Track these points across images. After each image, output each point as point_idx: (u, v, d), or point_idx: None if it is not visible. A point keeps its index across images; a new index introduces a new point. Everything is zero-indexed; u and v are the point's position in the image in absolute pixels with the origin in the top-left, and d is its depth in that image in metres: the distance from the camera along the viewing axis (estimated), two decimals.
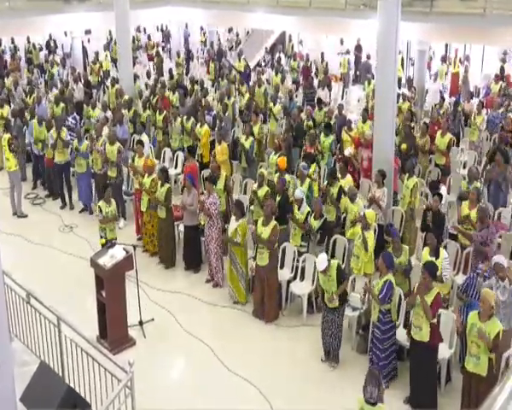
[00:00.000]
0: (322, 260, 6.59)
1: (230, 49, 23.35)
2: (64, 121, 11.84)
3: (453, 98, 15.69)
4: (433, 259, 6.67)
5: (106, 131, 11.31)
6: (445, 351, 6.35)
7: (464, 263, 7.80)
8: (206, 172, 10.88)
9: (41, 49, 21.97)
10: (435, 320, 5.97)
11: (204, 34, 24.84)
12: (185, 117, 11.92)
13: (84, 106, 13.87)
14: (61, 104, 13.37)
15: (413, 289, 6.18)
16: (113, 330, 7.00)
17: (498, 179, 9.42)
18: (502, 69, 16.21)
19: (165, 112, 12.57)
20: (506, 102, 13.50)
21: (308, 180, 9.02)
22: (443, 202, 8.58)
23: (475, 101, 14.24)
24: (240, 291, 8.08)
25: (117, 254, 7.11)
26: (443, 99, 14.37)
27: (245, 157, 11.07)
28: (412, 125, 11.75)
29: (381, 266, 6.39)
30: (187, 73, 19.90)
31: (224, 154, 10.77)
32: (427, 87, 16.57)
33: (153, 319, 7.63)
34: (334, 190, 8.69)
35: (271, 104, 13.30)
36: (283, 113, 12.90)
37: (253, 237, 7.78)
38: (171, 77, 16.45)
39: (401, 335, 6.58)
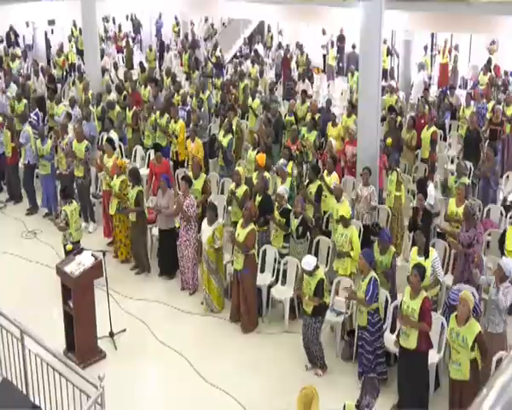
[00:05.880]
0: (310, 259, 6.59)
1: (206, 39, 23.35)
2: (26, 119, 11.68)
3: (440, 90, 15.94)
4: (422, 259, 6.78)
5: (70, 128, 11.20)
6: (433, 356, 6.44)
7: (453, 263, 7.93)
8: (181, 172, 10.87)
9: (0, 42, 21.65)
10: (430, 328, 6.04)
11: (177, 24, 24.78)
12: (158, 113, 11.85)
13: (48, 102, 13.70)
14: (24, 100, 13.18)
15: (399, 312, 6.21)
16: (82, 342, 6.94)
17: (488, 174, 9.60)
18: (489, 61, 16.50)
19: (134, 108, 12.48)
20: (495, 94, 13.78)
21: (290, 179, 9.06)
22: (432, 201, 8.69)
23: (462, 93, 14.49)
24: (217, 298, 8.09)
25: (85, 260, 7.06)
26: (427, 90, 14.59)
27: (222, 155, 11.07)
28: (399, 118, 11.89)
29: (362, 266, 6.47)
30: (160, 66, 19.83)
31: (199, 151, 10.76)
32: (412, 79, 16.79)
33: (124, 330, 7.59)
34: (313, 189, 8.75)
35: (250, 99, 13.30)
36: (263, 108, 12.92)
37: (230, 239, 7.79)
38: (143, 70, 16.38)
39: (388, 340, 6.67)
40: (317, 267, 6.60)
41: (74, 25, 21.84)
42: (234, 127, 11.59)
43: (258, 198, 8.51)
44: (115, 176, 9.12)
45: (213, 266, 7.96)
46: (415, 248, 7.14)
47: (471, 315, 5.67)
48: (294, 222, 7.99)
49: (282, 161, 9.39)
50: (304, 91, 13.65)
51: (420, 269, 6.17)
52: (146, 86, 14.27)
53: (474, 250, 7.18)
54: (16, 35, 22.47)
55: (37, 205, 11.12)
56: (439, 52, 18.76)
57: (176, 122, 11.47)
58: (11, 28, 22.07)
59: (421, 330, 5.92)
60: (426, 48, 18.87)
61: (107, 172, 9.44)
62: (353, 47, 19.01)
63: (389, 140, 10.60)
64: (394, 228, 9.05)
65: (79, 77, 15.20)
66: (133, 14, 25.66)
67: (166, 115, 11.74)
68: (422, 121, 11.39)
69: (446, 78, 17.58)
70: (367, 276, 6.40)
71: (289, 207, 8.20)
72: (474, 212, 7.39)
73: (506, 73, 16.70)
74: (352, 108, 12.04)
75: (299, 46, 19.61)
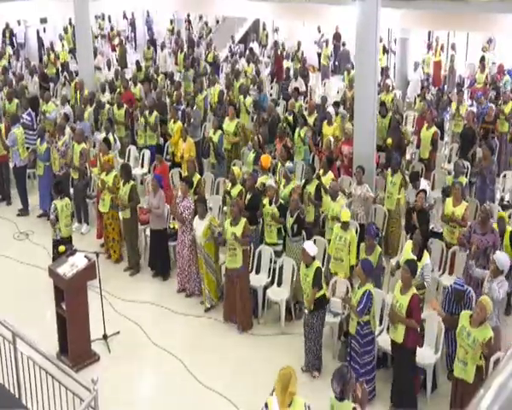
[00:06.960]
0: (312, 245, 6.69)
1: (200, 38, 23.33)
2: (18, 119, 11.63)
3: (438, 88, 15.95)
4: (414, 258, 6.77)
5: (67, 129, 11.17)
6: (430, 357, 6.46)
7: (450, 263, 7.93)
8: (175, 172, 10.86)
9: None
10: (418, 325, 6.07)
11: (171, 23, 24.75)
12: (147, 112, 11.80)
13: (41, 101, 13.66)
14: (15, 100, 13.11)
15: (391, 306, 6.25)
16: (75, 345, 6.92)
17: (485, 173, 9.62)
18: (482, 58, 16.53)
19: (125, 106, 12.45)
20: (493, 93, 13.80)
21: (293, 183, 9.00)
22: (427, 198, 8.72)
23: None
24: (215, 291, 8.10)
25: (78, 262, 7.04)
26: (423, 88, 14.61)
27: (213, 152, 11.05)
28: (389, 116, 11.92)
29: (359, 274, 6.36)
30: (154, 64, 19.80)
31: (190, 151, 10.75)
32: (409, 77, 16.81)
33: (118, 332, 7.57)
34: (312, 189, 8.76)
35: (241, 97, 13.28)
36: (254, 106, 12.92)
37: (219, 240, 7.79)
38: (139, 69, 16.34)
39: (385, 341, 6.67)
40: (313, 258, 6.64)
41: (70, 23, 21.76)
42: (233, 128, 11.52)
43: (248, 196, 8.51)
44: (104, 173, 9.12)
45: (210, 260, 7.96)
46: (410, 243, 7.10)
47: (486, 321, 5.63)
48: (290, 220, 8.00)
49: (288, 164, 9.34)
50: (296, 89, 13.65)
51: (411, 265, 6.18)
52: (136, 84, 14.25)
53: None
54: (12, 34, 22.37)
55: (28, 207, 11.06)
56: (431, 49, 18.81)
57: (175, 123, 11.44)
58: (7, 26, 21.98)
59: (408, 327, 5.94)
60: (429, 46, 18.88)
61: (101, 166, 9.40)
62: (343, 44, 19.09)
63: (389, 140, 10.58)
64: (394, 231, 9.04)
65: (69, 75, 15.14)
66: (131, 12, 25.58)
67: (155, 113, 11.73)
68: (425, 121, 11.35)
69: (440, 76, 17.62)
70: (363, 286, 6.28)
71: (286, 205, 8.20)
72: (492, 215, 7.38)
73: (504, 72, 16.74)
74: (337, 106, 12.09)
75: (298, 43, 19.59)
